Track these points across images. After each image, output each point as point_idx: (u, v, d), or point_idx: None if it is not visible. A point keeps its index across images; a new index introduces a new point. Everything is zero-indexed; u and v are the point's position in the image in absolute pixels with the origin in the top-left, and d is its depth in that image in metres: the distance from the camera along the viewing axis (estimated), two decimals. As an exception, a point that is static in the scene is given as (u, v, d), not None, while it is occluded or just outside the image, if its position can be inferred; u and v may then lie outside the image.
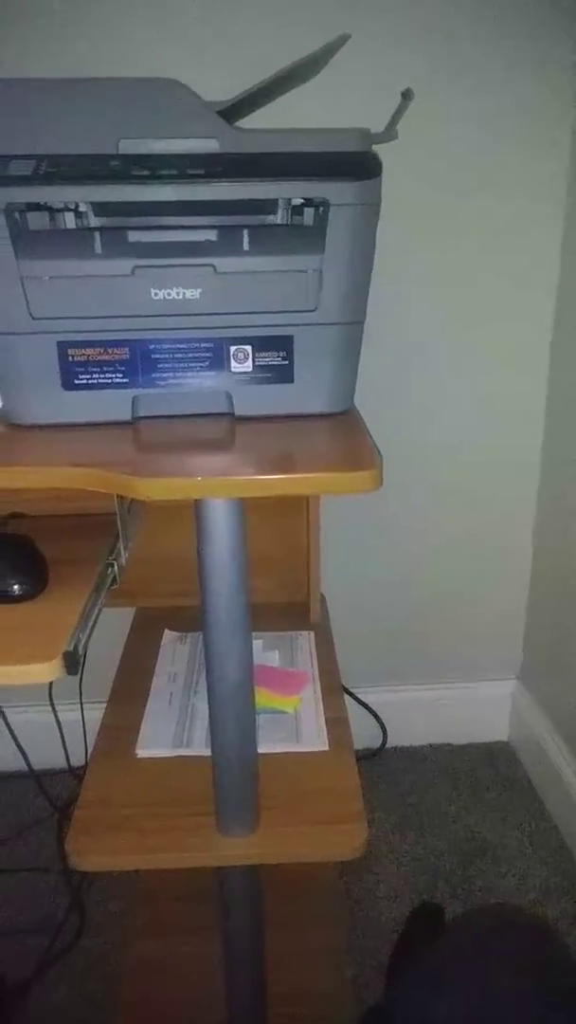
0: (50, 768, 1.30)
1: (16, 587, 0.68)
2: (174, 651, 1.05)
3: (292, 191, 0.66)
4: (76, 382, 0.70)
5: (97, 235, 0.67)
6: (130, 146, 0.65)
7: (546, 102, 1.12)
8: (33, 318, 0.68)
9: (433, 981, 0.63)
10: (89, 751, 0.88)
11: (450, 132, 1.12)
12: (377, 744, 1.46)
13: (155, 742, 0.87)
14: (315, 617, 1.11)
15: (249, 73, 0.76)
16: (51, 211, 0.68)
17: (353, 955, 1.09)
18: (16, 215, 0.65)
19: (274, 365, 0.71)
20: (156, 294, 0.68)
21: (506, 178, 1.16)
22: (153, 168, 0.64)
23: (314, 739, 0.87)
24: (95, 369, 0.70)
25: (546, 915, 1.16)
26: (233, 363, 0.71)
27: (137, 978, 1.03)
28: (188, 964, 1.02)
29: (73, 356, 0.69)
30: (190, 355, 0.71)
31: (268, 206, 0.70)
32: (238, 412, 0.72)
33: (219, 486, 0.60)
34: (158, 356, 0.70)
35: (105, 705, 0.95)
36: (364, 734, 1.43)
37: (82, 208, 0.69)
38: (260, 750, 0.76)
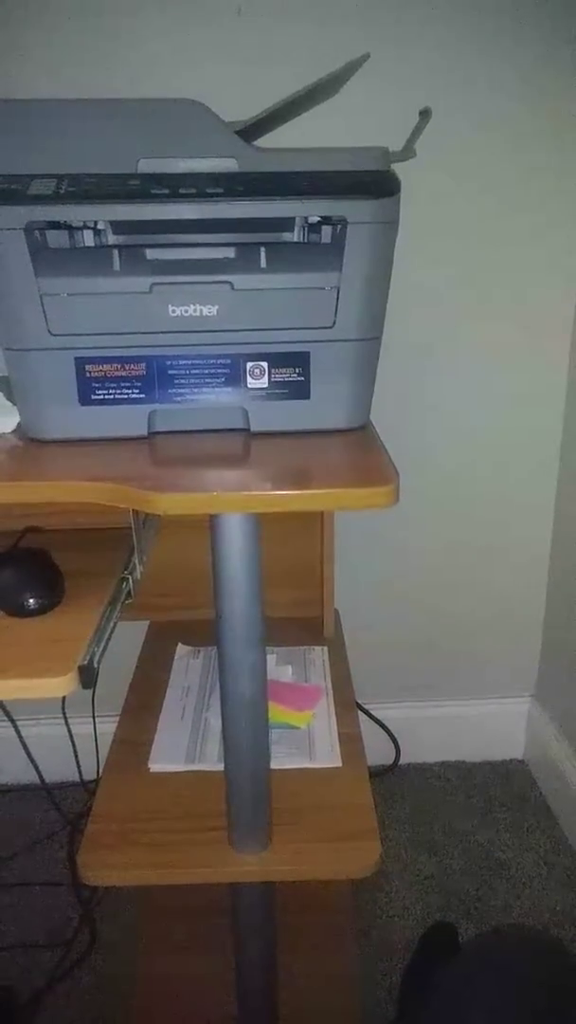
0: (62, 782, 1.31)
1: (32, 601, 0.69)
2: (187, 665, 1.05)
3: (311, 209, 0.67)
4: (93, 397, 0.71)
5: (115, 253, 0.68)
6: (149, 165, 0.66)
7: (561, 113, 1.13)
8: (51, 334, 0.68)
9: (446, 1003, 0.62)
10: (101, 765, 0.88)
11: (468, 143, 1.13)
12: (390, 761, 1.45)
13: (168, 756, 0.87)
14: (329, 632, 1.11)
15: (269, 93, 0.77)
16: (70, 229, 0.69)
17: (364, 974, 1.08)
18: (36, 233, 0.66)
19: (290, 381, 0.71)
20: (173, 311, 0.68)
21: (526, 186, 1.16)
22: (172, 187, 0.65)
23: (327, 755, 0.87)
24: (112, 385, 0.71)
25: (561, 936, 1.15)
26: (249, 379, 0.71)
27: (147, 994, 1.02)
28: (199, 981, 1.01)
29: (90, 372, 0.70)
30: (206, 371, 0.71)
31: (286, 224, 0.71)
32: (254, 428, 0.72)
33: (235, 501, 0.60)
34: (175, 372, 0.71)
35: (118, 719, 0.95)
36: (377, 751, 1.42)
37: (101, 226, 0.70)
38: (273, 766, 0.75)
